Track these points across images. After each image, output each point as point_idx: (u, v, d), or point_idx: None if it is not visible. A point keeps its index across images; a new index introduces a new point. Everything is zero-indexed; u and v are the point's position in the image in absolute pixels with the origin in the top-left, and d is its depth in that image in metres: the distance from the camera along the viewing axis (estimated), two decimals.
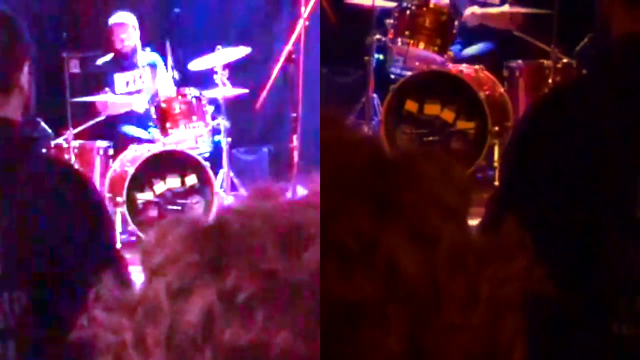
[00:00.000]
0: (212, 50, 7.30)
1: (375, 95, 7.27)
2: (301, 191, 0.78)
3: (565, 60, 6.77)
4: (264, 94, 6.60)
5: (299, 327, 0.70)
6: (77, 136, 7.19)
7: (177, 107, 7.39)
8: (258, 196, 0.80)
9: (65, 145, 7.07)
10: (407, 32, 7.19)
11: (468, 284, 0.73)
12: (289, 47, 6.35)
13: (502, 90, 7.06)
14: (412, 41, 7.18)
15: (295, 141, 6.49)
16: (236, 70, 7.44)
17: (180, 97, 7.42)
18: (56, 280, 2.13)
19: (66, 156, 6.89)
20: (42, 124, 7.12)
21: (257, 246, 0.72)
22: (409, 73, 7.10)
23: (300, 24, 6.36)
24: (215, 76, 7.30)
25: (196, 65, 7.48)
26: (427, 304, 0.71)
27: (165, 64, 7.92)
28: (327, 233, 0.71)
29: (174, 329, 0.72)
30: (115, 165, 7.20)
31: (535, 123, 2.16)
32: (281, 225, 0.74)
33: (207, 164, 7.15)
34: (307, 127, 6.56)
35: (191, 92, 7.44)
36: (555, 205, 1.99)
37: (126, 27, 7.75)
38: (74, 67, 7.61)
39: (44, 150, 6.30)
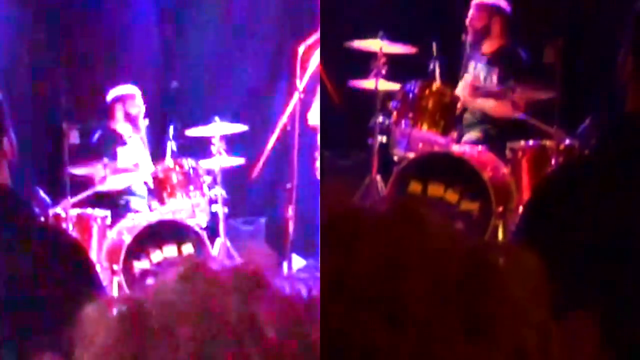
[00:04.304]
0: (209, 122, 7.43)
1: (379, 177, 7.24)
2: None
3: (567, 142, 6.69)
4: (260, 163, 6.69)
5: None
6: (75, 206, 7.26)
7: (174, 178, 7.48)
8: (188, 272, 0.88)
9: (63, 214, 7.14)
10: (410, 114, 7.17)
11: None
12: (284, 119, 6.46)
13: (505, 171, 6.98)
14: (415, 123, 7.15)
15: (291, 211, 6.56)
16: (233, 141, 7.55)
17: (177, 167, 7.52)
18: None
19: (64, 225, 6.95)
20: (41, 193, 7.20)
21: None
22: (412, 155, 7.05)
23: (296, 97, 6.48)
24: (212, 147, 7.41)
25: (194, 132, 7.59)
26: None
27: (165, 136, 7.98)
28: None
29: None
30: (112, 234, 7.25)
31: (547, 195, 2.19)
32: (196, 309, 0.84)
33: (203, 233, 7.21)
34: (302, 198, 6.64)
35: (188, 162, 7.54)
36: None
37: (134, 97, 7.85)
38: (74, 138, 7.67)
39: (42, 219, 6.37)
